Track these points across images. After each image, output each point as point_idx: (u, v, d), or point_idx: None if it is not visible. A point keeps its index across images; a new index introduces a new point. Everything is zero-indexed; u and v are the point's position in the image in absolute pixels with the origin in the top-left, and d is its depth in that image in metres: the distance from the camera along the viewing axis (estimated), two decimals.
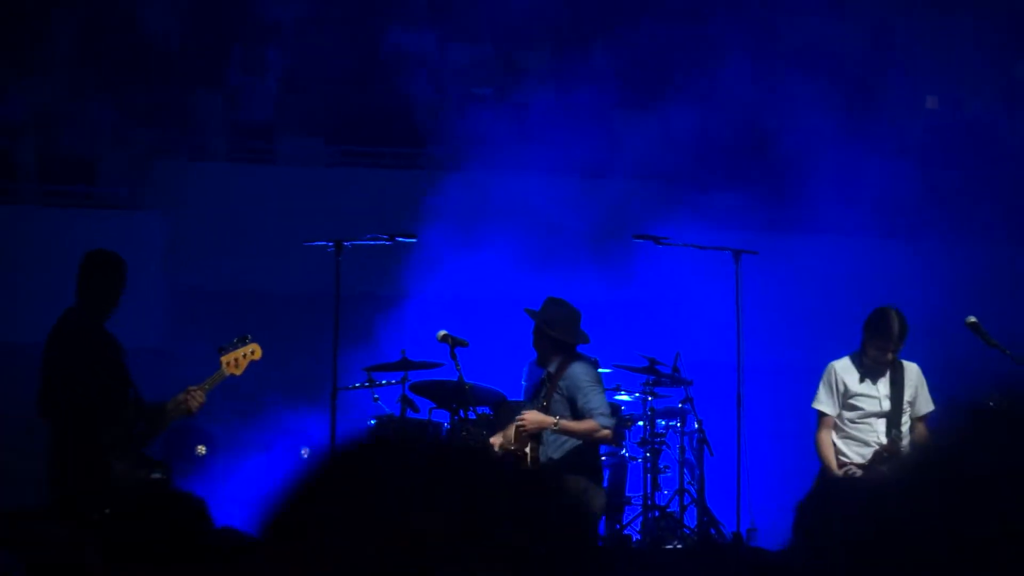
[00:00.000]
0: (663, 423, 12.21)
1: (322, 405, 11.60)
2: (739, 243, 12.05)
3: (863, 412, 9.97)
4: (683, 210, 13.84)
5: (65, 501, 9.10)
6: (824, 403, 10.10)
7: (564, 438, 10.03)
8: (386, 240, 11.89)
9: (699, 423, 11.94)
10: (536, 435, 10.05)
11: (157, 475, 10.38)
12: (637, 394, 12.16)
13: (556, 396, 10.14)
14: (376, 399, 12.12)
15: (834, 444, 10.05)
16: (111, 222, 14.19)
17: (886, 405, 9.93)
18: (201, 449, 13.48)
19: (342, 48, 16.16)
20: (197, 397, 9.42)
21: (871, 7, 16.68)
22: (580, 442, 10.06)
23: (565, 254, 13.65)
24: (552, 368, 10.26)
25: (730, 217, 13.83)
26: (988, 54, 16.96)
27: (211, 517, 4.24)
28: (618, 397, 12.32)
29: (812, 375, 13.65)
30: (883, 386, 9.95)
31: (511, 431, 10.12)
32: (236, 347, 9.84)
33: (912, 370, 10.03)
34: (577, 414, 10.01)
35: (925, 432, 9.97)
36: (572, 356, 10.28)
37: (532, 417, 10.00)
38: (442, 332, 10.34)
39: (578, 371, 10.15)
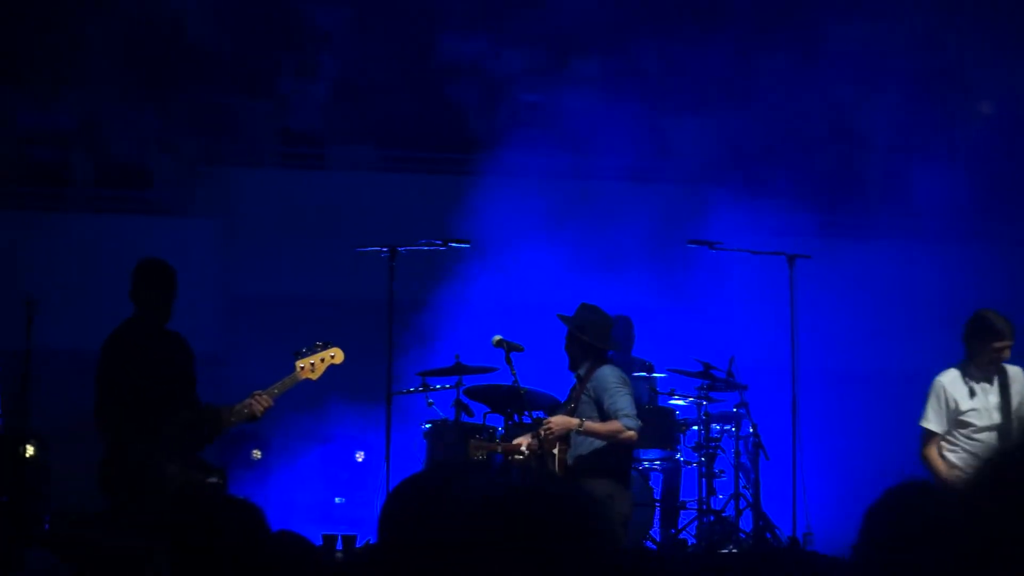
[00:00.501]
0: (718, 427, 12.18)
1: (377, 410, 11.62)
2: (793, 248, 12.03)
3: (975, 427, 9.62)
4: (737, 215, 13.81)
5: (118, 508, 9.12)
6: (932, 421, 9.70)
7: (591, 440, 10.03)
8: (440, 245, 11.92)
9: (754, 427, 11.90)
10: (564, 437, 10.06)
11: (213, 479, 10.42)
12: (692, 399, 12.14)
13: (584, 398, 10.15)
14: (430, 403, 12.13)
15: (946, 459, 9.73)
16: (164, 228, 14.26)
17: (996, 417, 9.55)
18: (257, 454, 13.52)
19: (393, 54, 16.20)
20: (263, 401, 9.45)
21: (921, 11, 16.59)
22: (606, 444, 10.05)
23: (619, 259, 13.64)
24: (582, 372, 10.27)
25: (784, 222, 13.79)
26: None
27: (268, 525, 4.24)
28: (673, 401, 12.31)
29: (866, 379, 13.64)
30: (992, 396, 9.59)
31: (540, 432, 10.12)
32: (315, 351, 9.85)
33: (1016, 373, 9.68)
34: (604, 416, 10.01)
35: None
36: (602, 361, 10.29)
37: (558, 421, 10.02)
38: (497, 337, 10.34)
39: (606, 372, 10.17)
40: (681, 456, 12.07)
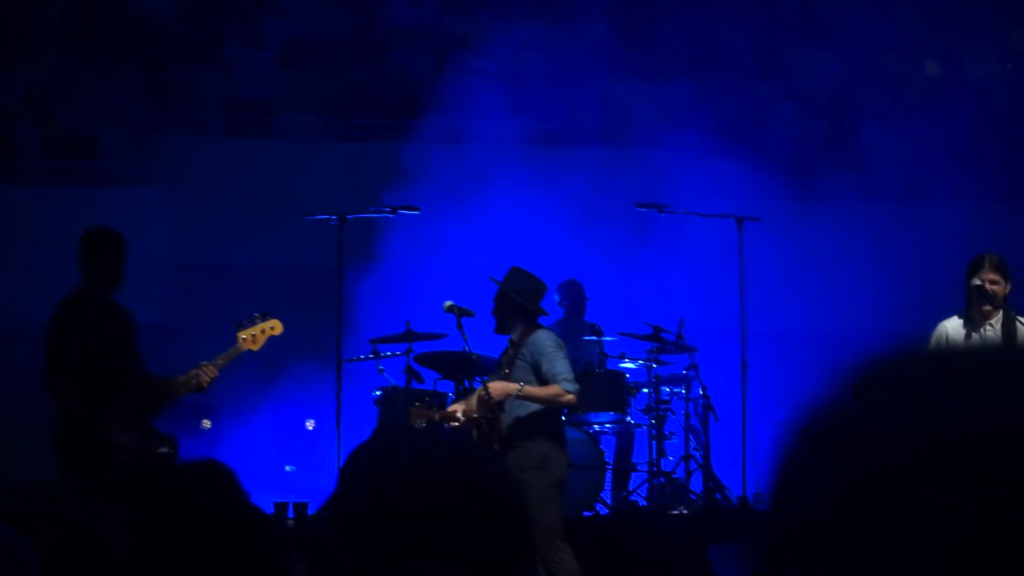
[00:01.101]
0: (668, 390, 12.24)
1: (327, 377, 11.63)
2: (742, 210, 12.08)
3: None
4: (686, 179, 13.85)
5: (71, 476, 9.12)
6: None
7: (527, 404, 10.01)
8: (389, 213, 11.93)
9: (704, 389, 11.97)
10: (500, 402, 10.02)
11: (164, 449, 10.41)
12: (642, 361, 12.18)
13: (519, 363, 10.08)
14: (381, 370, 12.13)
15: None
16: (113, 199, 14.18)
17: None
18: (207, 423, 13.51)
19: (339, 22, 16.14)
20: (209, 372, 9.44)
21: None
22: (542, 408, 10.03)
23: (569, 224, 13.66)
24: (515, 336, 10.21)
25: (732, 185, 13.83)
26: (986, 21, 16.97)
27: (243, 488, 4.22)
28: (623, 365, 12.34)
29: (815, 340, 13.71)
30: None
31: (473, 399, 10.10)
32: (254, 323, 9.85)
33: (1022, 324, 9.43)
34: (541, 380, 9.99)
35: None
36: (535, 325, 10.24)
37: (497, 387, 9.94)
38: (448, 303, 10.32)
39: (543, 336, 10.12)
40: (631, 419, 12.11)
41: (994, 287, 9.40)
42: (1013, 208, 15.25)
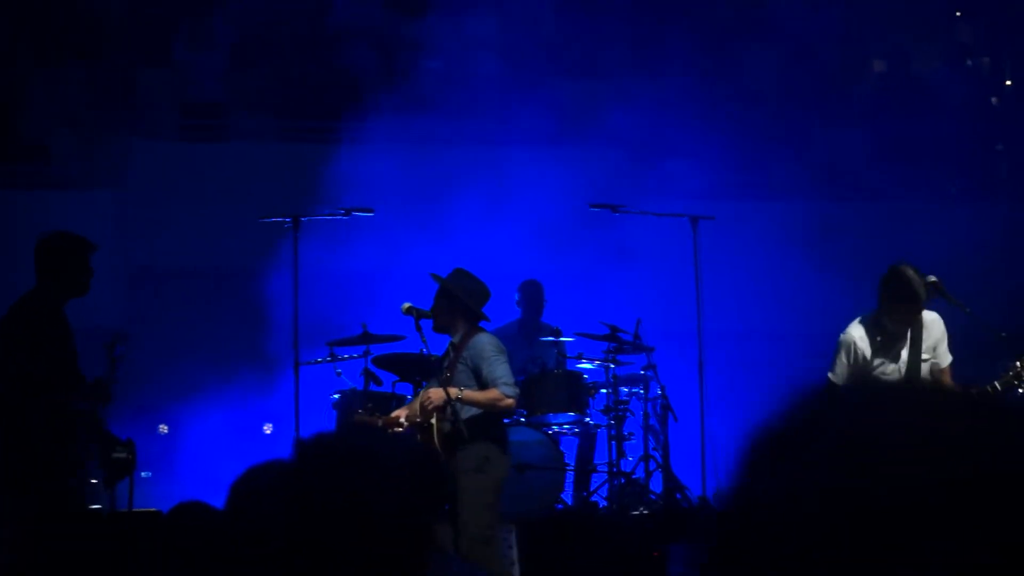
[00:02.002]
0: (626, 390, 12.24)
1: (285, 381, 11.57)
2: (696, 209, 12.11)
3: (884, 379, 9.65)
4: (640, 178, 13.87)
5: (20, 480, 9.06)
6: (839, 376, 9.52)
7: (467, 407, 10.02)
8: (343, 215, 11.88)
9: (662, 389, 11.99)
10: (441, 407, 10.02)
11: (120, 455, 10.33)
12: (599, 362, 12.18)
13: (460, 367, 10.10)
14: (339, 373, 12.08)
15: None
16: (63, 202, 14.05)
17: (903, 369, 9.56)
18: (163, 428, 13.41)
19: (289, 21, 16.05)
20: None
21: None
22: (482, 411, 10.04)
23: (523, 225, 13.64)
24: (456, 338, 10.20)
25: (686, 184, 13.85)
26: (930, 15, 17.09)
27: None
28: (581, 365, 12.34)
29: (772, 338, 13.77)
30: (903, 350, 9.49)
31: (416, 404, 10.11)
32: None
33: (931, 320, 9.47)
34: (482, 384, 9.99)
35: (952, 384, 9.47)
36: (476, 328, 10.23)
37: (436, 393, 9.94)
38: (406, 304, 10.26)
39: (483, 340, 10.12)
40: (591, 419, 12.11)
41: (918, 313, 9.49)
42: (965, 204, 15.35)
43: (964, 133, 15.73)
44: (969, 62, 17.42)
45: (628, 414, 12.15)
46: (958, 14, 17.52)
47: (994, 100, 17.08)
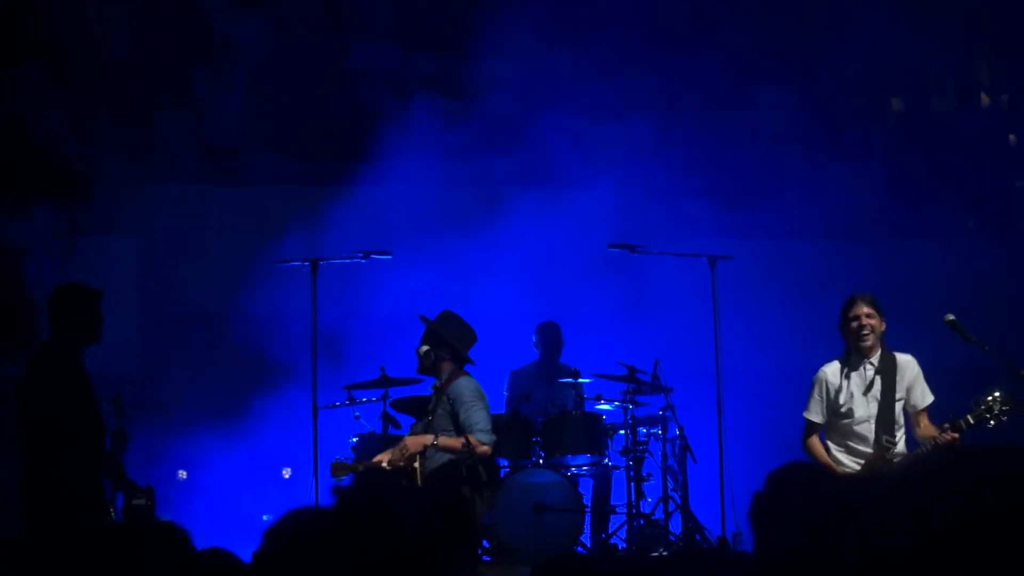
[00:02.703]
0: (645, 431, 12.22)
1: (303, 425, 11.58)
2: (714, 249, 12.10)
3: (854, 419, 9.77)
4: (658, 218, 13.87)
5: (43, 533, 9.07)
6: (813, 412, 9.94)
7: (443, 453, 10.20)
8: (361, 258, 11.92)
9: (681, 430, 11.96)
10: (416, 453, 10.22)
11: (140, 501, 10.36)
12: (617, 403, 12.17)
13: (440, 411, 10.24)
14: (357, 417, 12.08)
15: (829, 448, 9.92)
16: (83, 247, 14.11)
17: (873, 408, 9.70)
18: (182, 473, 13.42)
19: (307, 64, 16.11)
20: None
21: (830, 9, 16.72)
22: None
23: (541, 266, 13.65)
24: (440, 381, 10.34)
25: (704, 224, 13.85)
26: (948, 54, 17.07)
27: (193, 546, 4.21)
28: (599, 406, 12.34)
29: (790, 378, 13.69)
30: (873, 387, 9.74)
31: (397, 450, 10.28)
32: None
33: (905, 362, 9.80)
34: (458, 429, 10.10)
35: (929, 426, 9.69)
36: (461, 372, 10.34)
37: (412, 441, 10.19)
38: (424, 347, 10.31)
39: (463, 385, 10.25)
40: (609, 460, 12.09)
41: (870, 320, 9.67)
42: (983, 241, 15.32)
43: (982, 171, 15.71)
44: (987, 100, 17.40)
45: (647, 455, 12.13)
46: (975, 53, 17.51)
47: (1012, 138, 17.05)
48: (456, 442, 10.02)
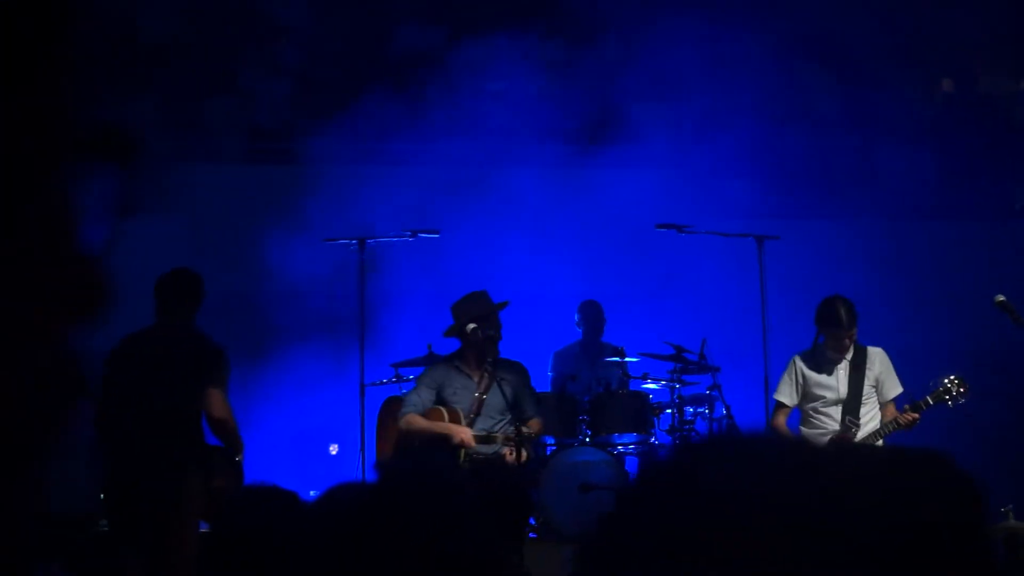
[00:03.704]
0: (691, 410, 12.22)
1: (350, 402, 11.62)
2: (762, 229, 12.07)
3: (824, 400, 10.24)
4: (705, 197, 13.84)
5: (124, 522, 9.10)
6: (783, 393, 10.46)
7: None
8: (409, 236, 11.95)
9: (727, 409, 11.94)
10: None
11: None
12: (664, 382, 12.17)
13: (495, 391, 10.42)
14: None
15: (801, 433, 10.36)
16: (133, 226, 14.18)
17: (843, 392, 10.19)
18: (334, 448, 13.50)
19: (355, 44, 16.15)
20: None
21: None
22: None
23: (587, 244, 13.66)
24: (491, 359, 10.51)
25: (751, 204, 13.82)
26: (997, 33, 16.96)
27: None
28: (646, 386, 12.34)
29: None
30: (843, 372, 10.24)
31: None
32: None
33: (875, 354, 10.34)
34: (517, 413, 10.33)
35: (896, 414, 10.18)
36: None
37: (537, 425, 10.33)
38: (471, 325, 10.33)
39: (522, 368, 10.56)
40: (656, 440, 12.10)
41: (852, 339, 10.38)
42: None
43: None
44: None
45: (693, 434, 12.12)
46: None
47: None
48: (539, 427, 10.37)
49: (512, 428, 10.31)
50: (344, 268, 12.21)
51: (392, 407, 11.16)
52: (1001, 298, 9.93)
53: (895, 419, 9.99)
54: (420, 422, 10.43)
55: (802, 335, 13.72)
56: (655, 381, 12.32)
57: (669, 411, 12.13)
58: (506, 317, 11.18)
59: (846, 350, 10.27)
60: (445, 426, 10.43)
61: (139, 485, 8.79)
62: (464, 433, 10.36)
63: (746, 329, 12.17)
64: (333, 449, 13.48)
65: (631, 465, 12.07)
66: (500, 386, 10.40)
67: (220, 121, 15.75)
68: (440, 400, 10.61)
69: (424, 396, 10.60)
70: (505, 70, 15.34)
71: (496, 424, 10.54)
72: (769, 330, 11.70)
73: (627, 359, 12.47)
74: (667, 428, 12.11)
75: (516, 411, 10.30)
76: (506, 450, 10.35)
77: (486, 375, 10.62)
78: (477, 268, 13.38)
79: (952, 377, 9.88)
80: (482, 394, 10.57)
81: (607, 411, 11.78)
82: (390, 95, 15.74)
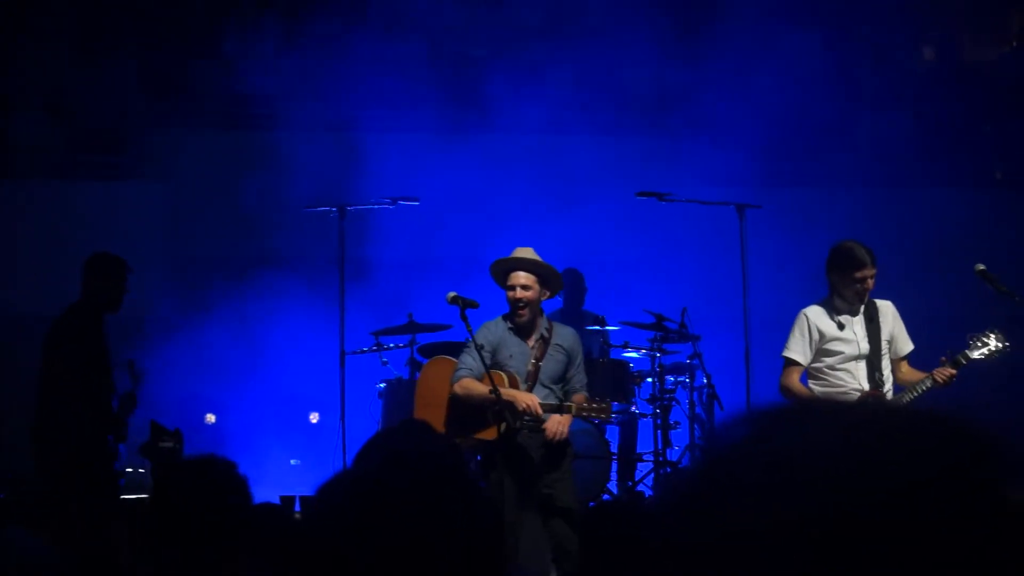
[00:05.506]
0: (672, 379, 12.23)
1: (330, 371, 11.60)
2: (742, 198, 12.04)
3: (843, 356, 9.38)
4: (685, 165, 13.81)
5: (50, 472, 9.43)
6: (795, 351, 9.44)
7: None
8: (389, 204, 11.89)
9: (708, 378, 11.95)
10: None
11: (167, 444, 10.46)
12: (645, 351, 12.17)
13: (549, 358, 10.00)
14: (385, 363, 12.11)
15: (812, 391, 9.63)
16: (112, 192, 14.14)
17: (864, 347, 9.36)
18: (210, 417, 13.48)
19: (337, 10, 16.06)
20: None
21: None
22: None
23: (568, 212, 13.62)
24: (546, 324, 10.12)
25: (732, 172, 13.80)
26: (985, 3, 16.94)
27: (250, 494, 4.21)
28: (627, 354, 12.35)
29: None
30: (859, 327, 9.38)
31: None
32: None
33: (886, 308, 9.52)
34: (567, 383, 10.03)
35: (911, 371, 9.53)
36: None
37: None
38: (452, 294, 10.24)
39: (575, 335, 10.27)
40: (636, 408, 12.10)
41: (873, 280, 9.41)
42: (1016, 193, 15.25)
43: (1012, 120, 15.61)
44: (1017, 46, 17.27)
45: (674, 403, 12.14)
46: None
47: None
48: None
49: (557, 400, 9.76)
50: (324, 236, 12.18)
51: (438, 369, 10.33)
52: (981, 267, 9.77)
53: (931, 375, 9.18)
54: (477, 387, 9.67)
55: (784, 303, 13.74)
56: (636, 350, 12.31)
57: (650, 380, 12.15)
58: (487, 285, 11.14)
59: (869, 290, 9.39)
60: (509, 392, 9.57)
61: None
62: (531, 399, 9.56)
63: (727, 298, 12.16)
64: (314, 417, 13.49)
65: (612, 434, 12.08)
66: (554, 354, 9.93)
67: (201, 86, 15.67)
68: (494, 364, 9.80)
69: (480, 358, 9.66)
70: (488, 35, 15.28)
71: (548, 395, 9.91)
72: (750, 298, 11.68)
73: (608, 327, 12.46)
74: (647, 397, 12.11)
75: (564, 383, 9.83)
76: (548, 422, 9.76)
77: (540, 340, 10.01)
78: (458, 236, 13.36)
79: (993, 333, 9.18)
80: (538, 360, 10.00)
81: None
82: (373, 60, 15.67)
